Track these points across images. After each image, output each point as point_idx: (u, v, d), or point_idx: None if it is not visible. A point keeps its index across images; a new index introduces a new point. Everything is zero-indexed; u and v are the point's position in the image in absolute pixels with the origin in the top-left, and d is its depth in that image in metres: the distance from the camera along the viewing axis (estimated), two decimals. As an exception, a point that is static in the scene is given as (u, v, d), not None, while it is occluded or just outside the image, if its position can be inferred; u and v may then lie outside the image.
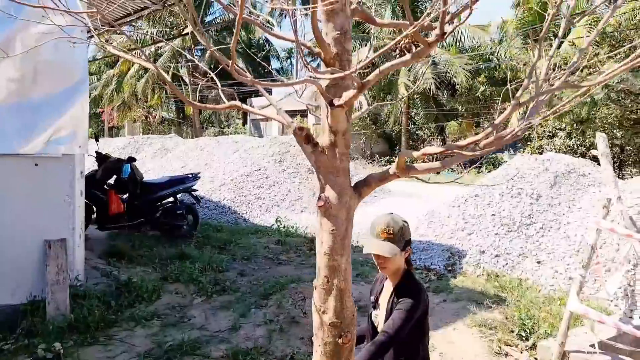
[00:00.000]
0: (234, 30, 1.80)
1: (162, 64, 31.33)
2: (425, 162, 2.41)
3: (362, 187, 2.48)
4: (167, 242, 7.89)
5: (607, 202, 4.11)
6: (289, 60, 52.34)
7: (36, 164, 5.11)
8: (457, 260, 6.46)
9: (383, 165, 22.16)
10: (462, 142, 1.91)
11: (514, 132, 2.02)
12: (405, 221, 2.64)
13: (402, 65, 2.09)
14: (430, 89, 21.01)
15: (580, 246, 5.82)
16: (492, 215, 6.82)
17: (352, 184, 2.54)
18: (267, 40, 42.94)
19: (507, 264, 6.26)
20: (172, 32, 30.43)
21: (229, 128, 36.72)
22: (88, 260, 6.43)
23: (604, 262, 5.41)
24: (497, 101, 21.97)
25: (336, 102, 2.27)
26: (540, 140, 18.63)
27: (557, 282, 5.64)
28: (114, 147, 17.23)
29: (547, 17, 1.94)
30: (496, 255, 6.37)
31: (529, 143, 19.39)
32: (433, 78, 20.43)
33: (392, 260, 2.54)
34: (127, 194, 8.32)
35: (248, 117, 34.75)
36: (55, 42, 3.86)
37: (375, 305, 2.77)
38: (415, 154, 2.13)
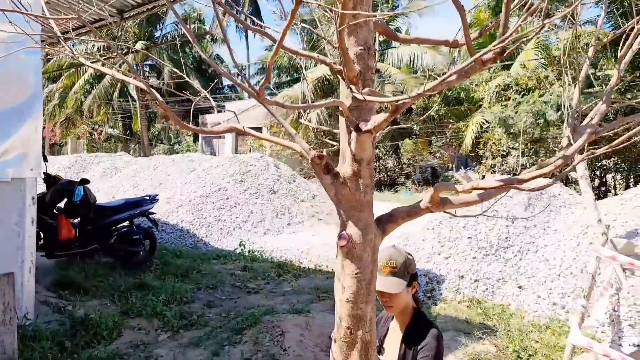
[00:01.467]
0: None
1: (109, 80, 30.24)
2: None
3: (387, 224, 2.18)
4: (124, 270, 7.31)
5: (606, 228, 3.99)
6: (239, 77, 51.83)
7: (-20, 189, 4.53)
8: (436, 286, 6.26)
9: (340, 184, 21.98)
10: (526, 176, 1.65)
11: (574, 164, 1.78)
12: (409, 253, 2.37)
13: (446, 86, 1.83)
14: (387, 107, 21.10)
15: (560, 270, 5.73)
16: (469, 238, 6.68)
17: (376, 218, 2.25)
18: (218, 56, 42.35)
19: (487, 289, 6.10)
20: (118, 48, 29.37)
21: (179, 145, 35.74)
22: (36, 294, 5.81)
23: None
24: (451, 121, 22.37)
25: (363, 127, 1.97)
26: (494, 159, 19.00)
27: (540, 307, 5.52)
28: (58, 165, 16.19)
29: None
30: (475, 280, 6.21)
31: (482, 162, 19.75)
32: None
33: (399, 297, 2.27)
34: (79, 219, 7.70)
35: (200, 134, 33.94)
36: (4, 52, 3.38)
37: (380, 349, 2.47)
38: (460, 187, 1.86)
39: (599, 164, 18.26)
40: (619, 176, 17.99)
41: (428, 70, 22.88)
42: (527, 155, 17.43)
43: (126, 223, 8.01)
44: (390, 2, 24.23)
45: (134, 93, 33.97)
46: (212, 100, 2.33)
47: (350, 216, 2.09)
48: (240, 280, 7.20)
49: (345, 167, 2.09)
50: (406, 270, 2.29)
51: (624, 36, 2.19)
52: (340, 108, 2.01)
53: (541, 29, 1.56)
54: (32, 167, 4.77)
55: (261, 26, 2.23)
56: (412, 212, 2.14)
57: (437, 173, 25.85)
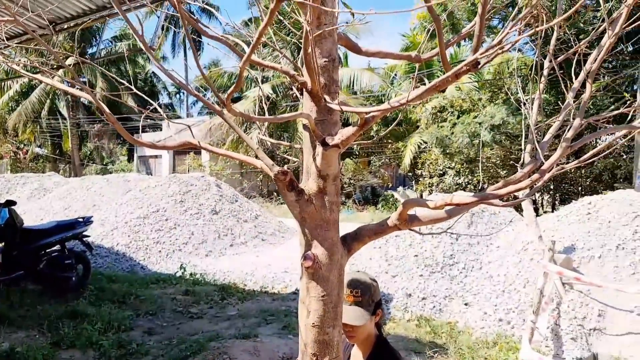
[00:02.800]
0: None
1: (36, 97, 28.76)
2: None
3: (353, 242, 2.09)
4: (55, 297, 6.81)
5: (552, 244, 4.09)
6: (178, 95, 50.91)
7: None
8: (385, 305, 6.22)
9: (282, 204, 21.80)
10: (502, 191, 1.62)
11: (545, 178, 1.77)
12: (373, 279, 2.29)
13: (418, 100, 1.78)
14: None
15: (504, 286, 5.85)
16: (415, 256, 6.72)
17: (341, 237, 2.16)
18: (155, 74, 41.40)
19: (434, 306, 6.13)
20: (49, 62, 28.07)
21: (112, 165, 34.35)
22: (-47, 327, 5.32)
23: (529, 302, 5.45)
24: (390, 141, 22.82)
25: (330, 141, 1.89)
26: (431, 178, 19.50)
27: (487, 324, 5.59)
28: (-22, 187, 15.10)
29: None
30: (423, 298, 6.23)
31: (420, 181, 20.21)
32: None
33: (362, 327, 2.19)
34: (3, 243, 7.12)
35: (135, 154, 32.80)
36: None
37: None
38: (432, 203, 1.80)
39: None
40: (546, 195, 18.90)
41: (366, 90, 23.35)
42: (463, 175, 18.02)
43: (58, 247, 7.50)
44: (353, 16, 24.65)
45: (64, 111, 32.47)
46: (162, 113, 2.17)
47: (315, 235, 1.99)
48: (182, 305, 6.87)
49: (310, 184, 2.00)
50: (371, 299, 2.20)
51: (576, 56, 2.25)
52: (304, 121, 1.93)
53: (516, 42, 1.55)
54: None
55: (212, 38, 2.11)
56: (380, 230, 2.06)
57: (377, 192, 26.21)
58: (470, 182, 17.94)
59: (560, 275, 4.40)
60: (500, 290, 5.84)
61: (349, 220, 17.60)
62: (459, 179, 18.16)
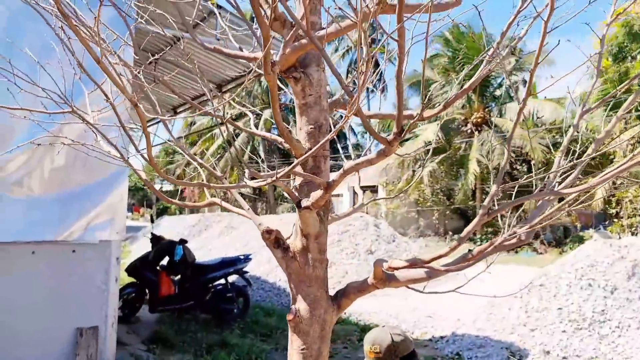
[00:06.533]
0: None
1: (239, 144, 32.80)
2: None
3: (342, 298, 2.17)
4: (214, 326, 7.69)
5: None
6: (365, 135, 52.99)
7: (74, 251, 5.18)
8: (517, 362, 5.71)
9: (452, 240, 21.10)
10: (427, 257, 1.59)
11: (516, 235, 1.67)
12: (399, 334, 2.27)
13: (367, 165, 1.84)
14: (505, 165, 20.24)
15: (664, 352, 4.94)
16: (559, 309, 6.04)
17: (334, 293, 2.24)
18: (341, 115, 44.00)
19: (576, 368, 5.43)
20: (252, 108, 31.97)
21: (302, 204, 37.10)
22: (128, 347, 6.37)
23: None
24: (580, 177, 20.64)
25: (304, 203, 2.03)
26: (630, 218, 17.05)
27: (637, 395, 4.78)
28: (185, 225, 17.72)
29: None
30: (564, 357, 5.55)
31: (615, 220, 17.81)
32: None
33: None
34: (179, 276, 8.32)
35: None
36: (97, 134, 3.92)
37: None
38: (386, 265, 1.82)
39: None
40: None
41: (550, 123, 21.57)
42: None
43: (222, 281, 8.47)
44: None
45: (263, 154, 36.46)
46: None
47: (299, 290, 2.12)
48: (319, 343, 7.18)
49: (295, 242, 2.15)
50: (393, 355, 2.24)
51: None
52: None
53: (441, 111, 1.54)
54: (117, 231, 5.37)
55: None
56: (362, 288, 2.11)
57: (569, 232, 23.65)
58: (679, 222, 15.24)
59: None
60: (659, 357, 4.94)
61: (525, 264, 16.17)
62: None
